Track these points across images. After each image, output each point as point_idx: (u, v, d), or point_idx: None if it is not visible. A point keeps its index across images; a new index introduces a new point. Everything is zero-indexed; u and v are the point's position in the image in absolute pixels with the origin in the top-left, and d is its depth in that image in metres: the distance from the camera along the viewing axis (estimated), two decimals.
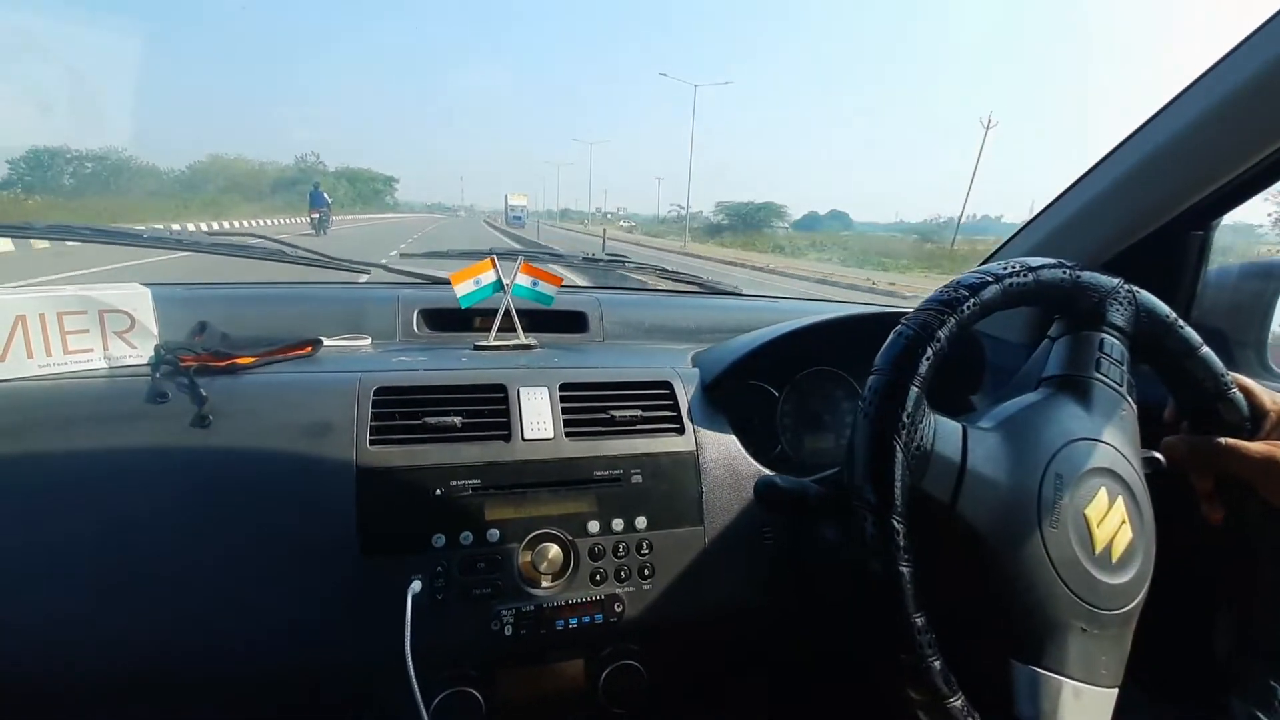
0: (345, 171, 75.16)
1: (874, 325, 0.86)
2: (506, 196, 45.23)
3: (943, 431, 0.47)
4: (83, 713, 0.64)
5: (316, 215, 17.77)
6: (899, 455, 0.44)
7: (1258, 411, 0.55)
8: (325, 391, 0.70)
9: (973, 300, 0.48)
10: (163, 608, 0.60)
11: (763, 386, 0.92)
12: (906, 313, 0.49)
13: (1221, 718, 0.53)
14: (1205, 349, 0.54)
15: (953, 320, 0.47)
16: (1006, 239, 0.98)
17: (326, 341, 0.87)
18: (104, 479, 0.61)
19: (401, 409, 0.70)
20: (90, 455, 0.62)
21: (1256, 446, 0.52)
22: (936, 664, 0.44)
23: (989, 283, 0.48)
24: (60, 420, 0.64)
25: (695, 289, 1.31)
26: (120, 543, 0.60)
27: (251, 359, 0.74)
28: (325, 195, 18.95)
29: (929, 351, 0.46)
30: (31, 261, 8.51)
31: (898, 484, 0.43)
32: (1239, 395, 0.55)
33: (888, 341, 0.47)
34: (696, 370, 0.84)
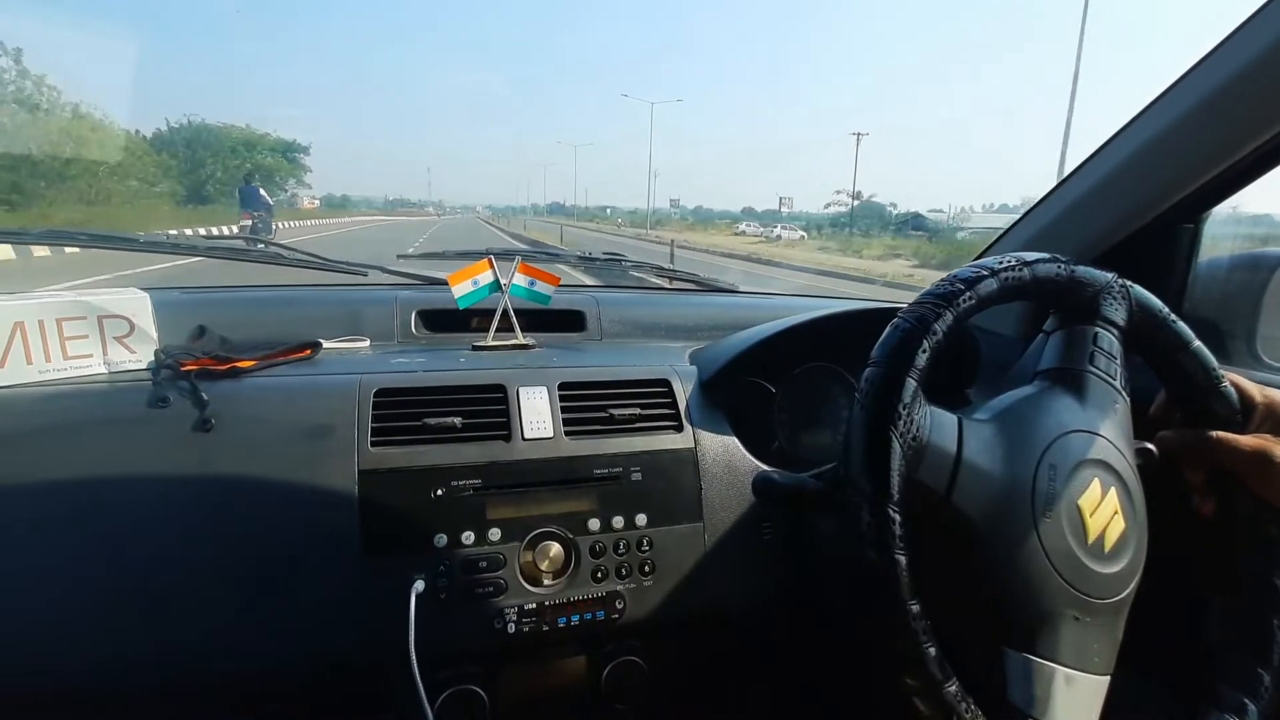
0: (187, 128, 35.16)
1: (869, 321, 0.86)
2: None
3: (938, 423, 0.47)
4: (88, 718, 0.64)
5: (250, 220, 11.76)
6: (895, 446, 0.44)
7: (1247, 405, 0.56)
8: (326, 394, 0.70)
9: (969, 294, 0.48)
10: (166, 611, 0.61)
11: (760, 383, 0.92)
12: (901, 307, 0.49)
13: (1210, 704, 0.54)
14: (1197, 343, 0.55)
15: (949, 314, 0.47)
16: (1000, 233, 0.99)
17: (325, 344, 0.87)
18: (107, 483, 0.62)
19: (402, 410, 0.70)
20: (93, 460, 0.62)
21: (1247, 440, 0.53)
22: (931, 651, 0.45)
23: (985, 277, 0.49)
24: (62, 426, 0.64)
25: (693, 287, 1.31)
26: (124, 547, 0.61)
27: (252, 362, 0.75)
28: (262, 191, 13.02)
29: (925, 345, 0.46)
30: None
31: (894, 474, 0.44)
32: (1230, 389, 0.56)
33: (884, 334, 0.48)
34: (694, 368, 0.85)
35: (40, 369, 0.68)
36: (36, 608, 0.59)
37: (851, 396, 0.93)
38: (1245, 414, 0.55)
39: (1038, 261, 0.51)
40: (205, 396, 0.66)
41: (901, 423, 0.44)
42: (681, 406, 0.79)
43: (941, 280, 0.50)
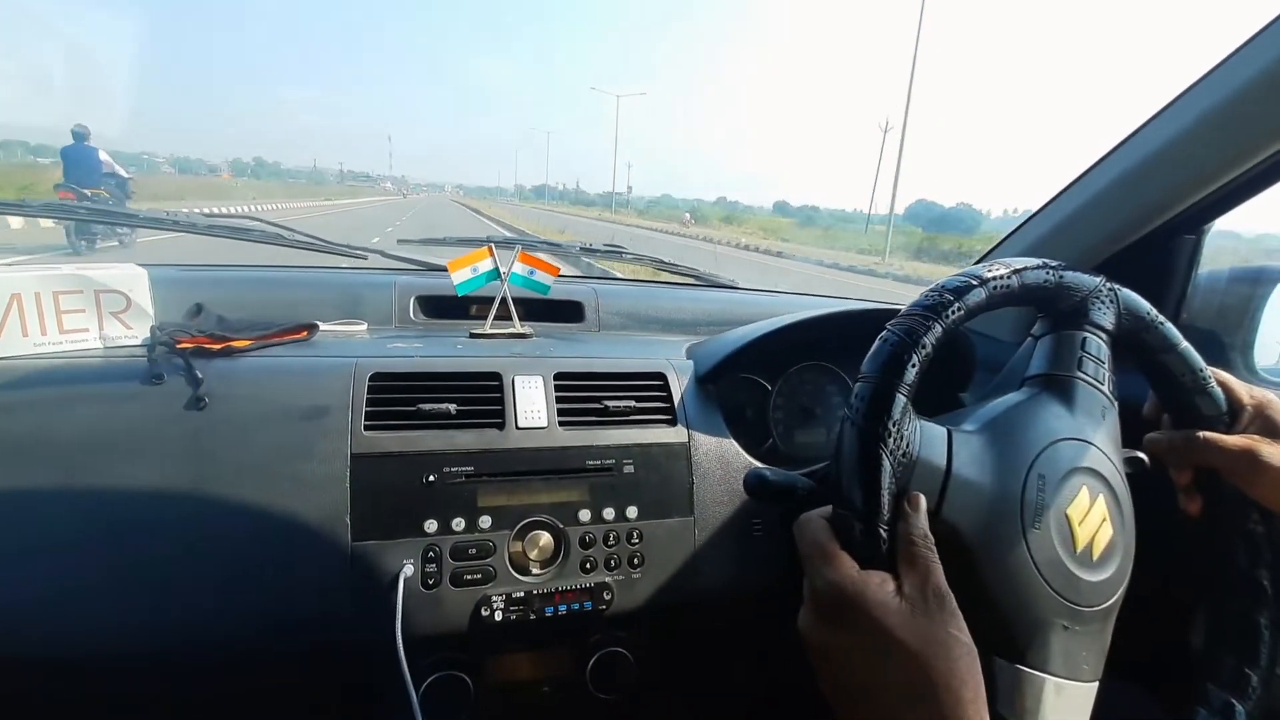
0: None
1: (867, 321, 0.86)
2: None
3: (928, 437, 0.47)
4: (72, 687, 0.64)
5: (73, 197, 6.89)
6: (885, 464, 0.44)
7: (1235, 405, 0.56)
8: (321, 375, 0.70)
9: (957, 304, 0.48)
10: (153, 587, 0.61)
11: (756, 380, 0.92)
12: (898, 310, 0.49)
13: (1197, 705, 0.54)
14: (1185, 345, 0.55)
15: (938, 326, 0.47)
16: (999, 241, 0.99)
17: (323, 326, 0.87)
18: (98, 458, 0.62)
19: (397, 395, 0.70)
20: (85, 434, 0.62)
21: (1234, 440, 0.53)
22: None
23: (973, 286, 0.49)
24: (56, 399, 0.64)
25: (692, 281, 1.31)
26: (111, 522, 0.61)
27: (247, 342, 0.75)
28: (104, 155, 8.59)
29: (914, 358, 0.46)
30: None
31: (884, 492, 0.44)
32: (1217, 389, 0.56)
33: (873, 348, 0.48)
34: (690, 362, 0.85)
35: (36, 342, 0.67)
36: (24, 576, 0.59)
37: (847, 396, 0.94)
38: (1233, 414, 0.56)
39: (1026, 269, 0.51)
40: (199, 374, 0.66)
41: (891, 439, 0.44)
42: (676, 400, 0.79)
43: (930, 290, 0.49)
